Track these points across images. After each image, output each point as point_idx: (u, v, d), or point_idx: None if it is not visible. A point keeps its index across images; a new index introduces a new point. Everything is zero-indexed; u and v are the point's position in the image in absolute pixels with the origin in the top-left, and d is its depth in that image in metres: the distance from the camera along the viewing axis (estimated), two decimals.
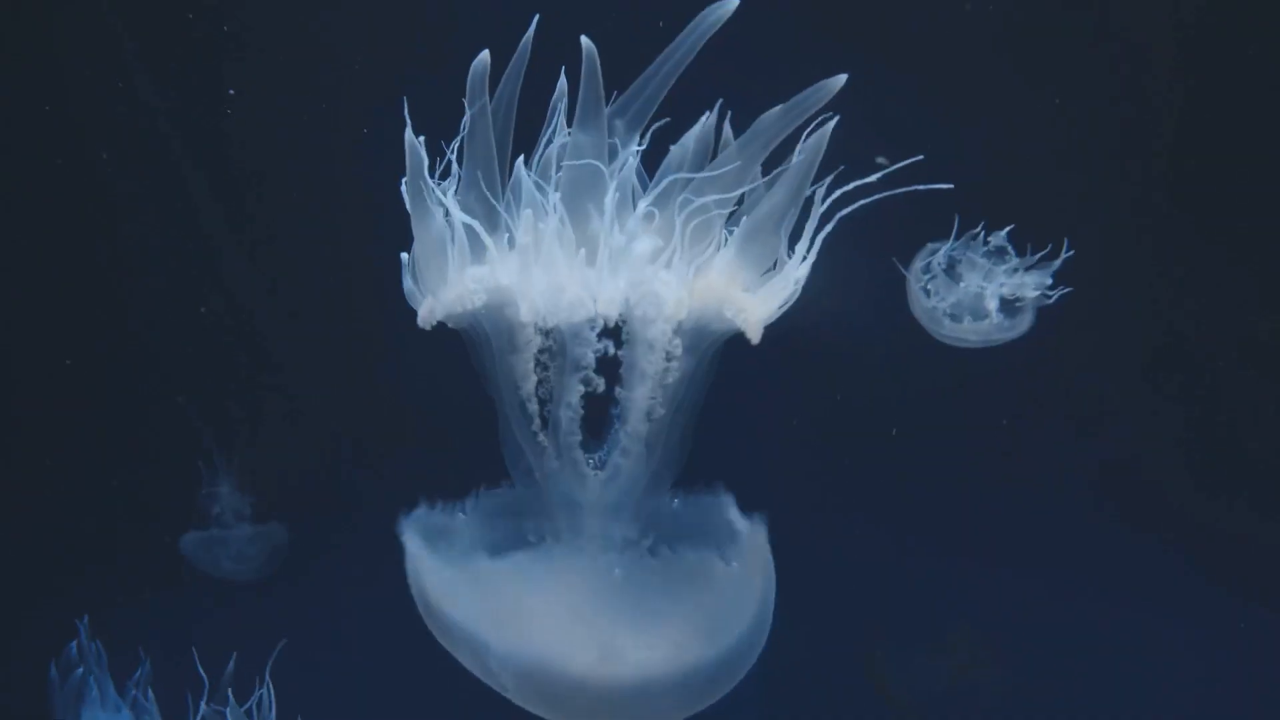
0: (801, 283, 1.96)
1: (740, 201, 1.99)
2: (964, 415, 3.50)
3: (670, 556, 2.08)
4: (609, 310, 1.92)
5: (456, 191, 1.97)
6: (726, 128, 2.02)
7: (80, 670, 2.81)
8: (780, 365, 2.24)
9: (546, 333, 2.02)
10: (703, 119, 1.99)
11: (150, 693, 2.75)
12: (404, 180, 1.96)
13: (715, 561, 2.07)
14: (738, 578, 2.06)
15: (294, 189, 3.34)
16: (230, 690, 2.75)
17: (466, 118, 1.95)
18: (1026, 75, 3.15)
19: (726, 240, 1.99)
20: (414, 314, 2.10)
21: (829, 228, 1.93)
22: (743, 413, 2.33)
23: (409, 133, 1.94)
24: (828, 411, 3.45)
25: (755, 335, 1.98)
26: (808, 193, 1.93)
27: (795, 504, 2.21)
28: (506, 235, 2.00)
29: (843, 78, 1.88)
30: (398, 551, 2.16)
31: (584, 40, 1.92)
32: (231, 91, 3.07)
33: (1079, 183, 3.18)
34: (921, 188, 1.87)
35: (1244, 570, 3.61)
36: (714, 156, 2.01)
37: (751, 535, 2.07)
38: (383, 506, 3.58)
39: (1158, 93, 3.21)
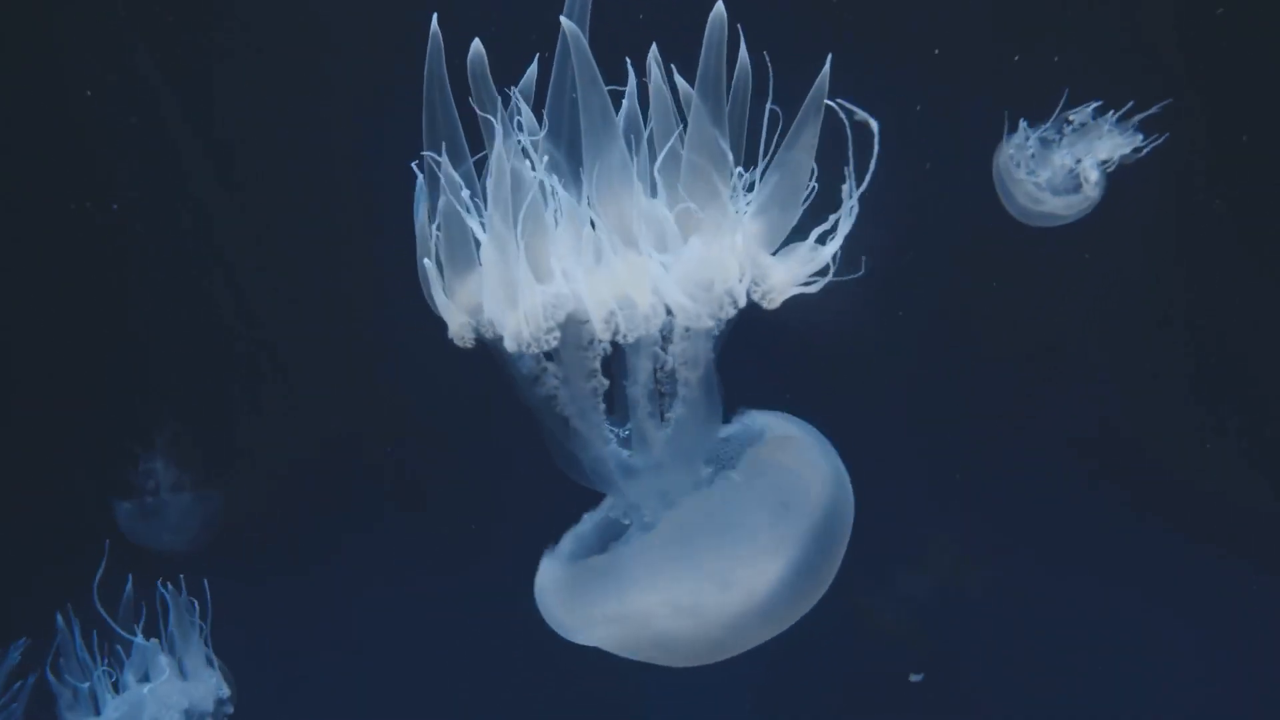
0: (831, 261, 1.96)
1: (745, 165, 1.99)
2: (968, 403, 3.52)
3: (735, 473, 2.13)
4: (694, 322, 1.93)
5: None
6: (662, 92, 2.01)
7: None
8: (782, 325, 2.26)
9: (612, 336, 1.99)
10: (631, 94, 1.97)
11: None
12: (493, 192, 1.89)
13: (761, 457, 2.13)
14: (785, 459, 2.14)
15: (294, 189, 3.34)
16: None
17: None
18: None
19: (756, 197, 1.98)
20: (413, 314, 2.08)
21: (853, 202, 1.91)
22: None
23: (499, 141, 1.86)
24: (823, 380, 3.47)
25: (776, 304, 1.99)
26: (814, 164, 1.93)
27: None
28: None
29: (720, 6, 1.85)
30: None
31: (564, 21, 1.87)
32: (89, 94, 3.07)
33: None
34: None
35: (1241, 542, 3.62)
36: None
37: (770, 421, 2.18)
38: (383, 506, 3.61)
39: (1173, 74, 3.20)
